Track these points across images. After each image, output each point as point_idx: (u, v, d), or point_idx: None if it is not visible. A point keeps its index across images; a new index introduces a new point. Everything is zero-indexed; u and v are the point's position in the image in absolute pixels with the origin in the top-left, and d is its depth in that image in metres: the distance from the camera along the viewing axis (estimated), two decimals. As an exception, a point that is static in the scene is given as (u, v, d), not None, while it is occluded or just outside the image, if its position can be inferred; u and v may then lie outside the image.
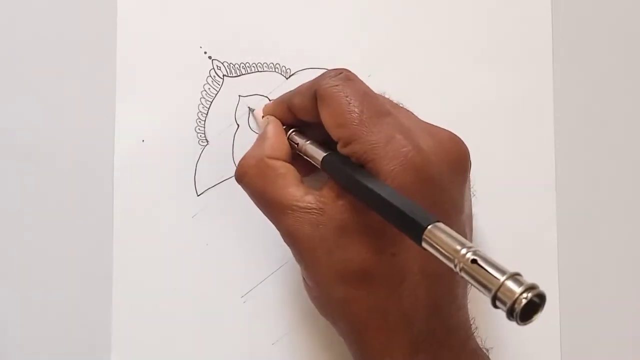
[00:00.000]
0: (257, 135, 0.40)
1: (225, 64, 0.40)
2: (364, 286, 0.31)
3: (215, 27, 0.41)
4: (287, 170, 0.34)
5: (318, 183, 0.34)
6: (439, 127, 0.34)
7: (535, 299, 0.23)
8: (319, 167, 0.34)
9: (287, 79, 0.40)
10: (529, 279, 0.24)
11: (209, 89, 0.40)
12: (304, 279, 0.34)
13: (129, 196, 0.40)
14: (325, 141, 0.34)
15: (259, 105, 0.40)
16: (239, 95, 0.40)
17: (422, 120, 0.35)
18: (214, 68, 0.40)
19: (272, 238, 0.38)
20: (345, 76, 0.33)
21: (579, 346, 0.40)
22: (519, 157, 0.41)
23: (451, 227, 0.26)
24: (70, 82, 0.40)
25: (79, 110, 0.40)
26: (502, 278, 0.23)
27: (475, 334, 0.34)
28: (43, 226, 0.40)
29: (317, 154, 0.34)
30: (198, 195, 0.40)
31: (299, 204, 0.32)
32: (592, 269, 0.41)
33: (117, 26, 0.40)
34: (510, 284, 0.23)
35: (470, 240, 0.34)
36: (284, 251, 0.39)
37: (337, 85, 0.33)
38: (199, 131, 0.40)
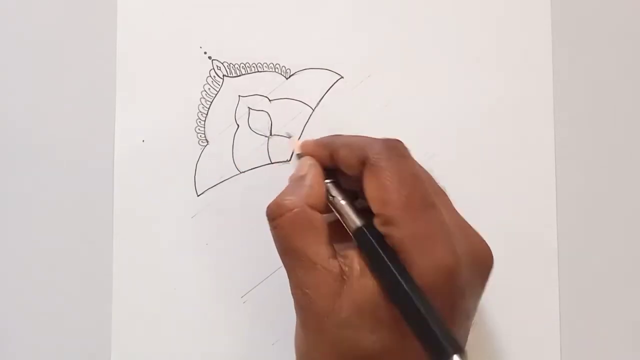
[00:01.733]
0: (257, 135, 0.40)
1: (225, 64, 0.40)
2: None
3: (215, 27, 0.41)
4: (321, 225, 0.32)
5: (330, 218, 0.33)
6: (472, 229, 0.33)
7: None
8: (350, 232, 0.33)
9: (287, 79, 0.40)
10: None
11: (209, 89, 0.40)
12: (296, 331, 0.33)
13: (129, 196, 0.40)
14: (357, 195, 0.33)
15: (259, 105, 0.40)
16: (239, 95, 0.40)
17: (458, 216, 0.34)
18: (214, 68, 0.40)
19: (272, 238, 0.38)
20: (400, 153, 0.33)
21: (579, 346, 0.40)
22: (519, 157, 0.41)
23: (457, 333, 0.26)
24: (70, 82, 0.40)
25: (79, 110, 0.40)
26: None
27: None
28: (43, 226, 0.40)
29: (352, 220, 0.33)
30: (198, 195, 0.40)
31: (325, 264, 0.31)
32: (592, 269, 0.41)
33: (117, 26, 0.40)
34: None
35: (465, 340, 0.33)
36: (284, 251, 0.39)
37: (390, 160, 0.32)
38: (199, 131, 0.40)
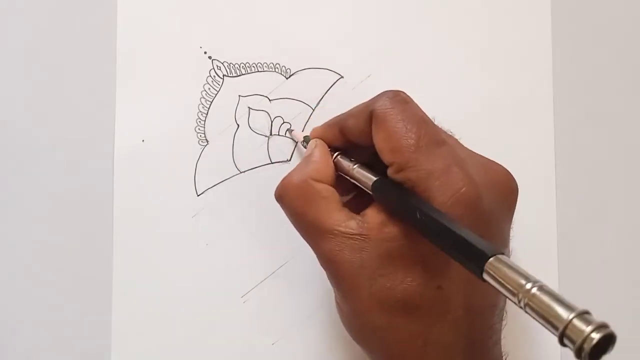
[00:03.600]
0: (257, 135, 0.40)
1: (225, 64, 0.40)
2: (406, 316, 0.31)
3: (215, 27, 0.41)
4: (330, 194, 0.33)
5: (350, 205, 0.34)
6: (492, 161, 0.34)
7: (605, 339, 0.22)
8: (369, 191, 0.33)
9: (287, 79, 0.40)
10: (598, 317, 0.23)
11: (209, 89, 0.40)
12: (337, 304, 0.34)
13: (129, 196, 0.40)
14: (370, 165, 0.34)
15: (259, 105, 0.40)
16: (239, 95, 0.40)
17: (475, 152, 0.34)
18: (214, 68, 0.40)
19: (272, 238, 0.39)
20: (402, 99, 0.33)
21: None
22: (519, 157, 0.41)
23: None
24: (70, 82, 0.40)
25: (79, 110, 0.40)
26: (570, 315, 0.22)
27: None
28: (43, 226, 0.40)
29: (367, 177, 0.33)
30: (198, 195, 0.40)
31: (341, 228, 0.32)
32: (592, 269, 0.41)
33: (117, 26, 0.40)
34: (578, 322, 0.22)
35: None
36: (284, 251, 0.39)
37: (393, 108, 0.32)
38: (199, 131, 0.40)
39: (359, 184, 0.34)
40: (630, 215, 0.41)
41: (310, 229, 0.33)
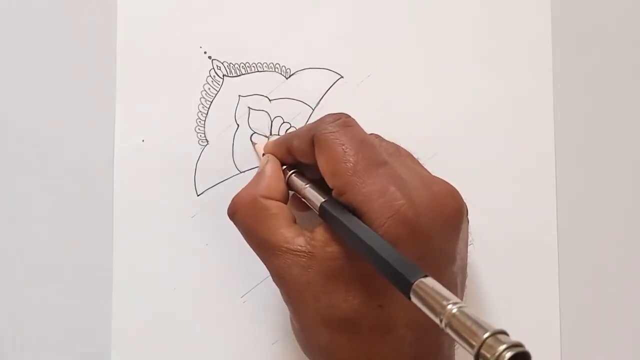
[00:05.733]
0: (256, 135, 0.40)
1: (225, 64, 0.40)
2: (349, 334, 0.31)
3: (215, 27, 0.41)
4: (279, 211, 0.34)
5: (316, 219, 0.34)
6: (436, 178, 0.34)
7: (517, 357, 0.23)
8: (316, 212, 0.33)
9: (287, 79, 0.40)
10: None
11: (209, 89, 0.40)
12: (291, 320, 0.34)
13: (129, 196, 0.40)
14: (323, 184, 0.34)
15: (259, 105, 0.40)
16: (239, 95, 0.40)
17: (421, 169, 0.34)
18: (214, 68, 0.40)
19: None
20: (343, 122, 0.33)
21: (579, 346, 0.40)
22: (519, 157, 0.41)
23: (441, 280, 0.26)
24: (70, 82, 0.40)
25: (79, 110, 0.40)
26: (485, 335, 0.23)
27: None
28: (43, 226, 0.40)
29: (316, 199, 0.33)
30: (198, 195, 0.40)
31: (289, 245, 0.32)
32: (592, 269, 0.41)
33: (117, 26, 0.40)
34: (492, 341, 0.23)
35: (463, 291, 0.34)
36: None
37: (334, 132, 0.32)
38: (199, 131, 0.40)
39: (309, 204, 0.34)
40: (631, 215, 0.41)
41: (260, 245, 0.33)
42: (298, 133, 0.36)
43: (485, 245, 0.40)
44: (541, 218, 0.41)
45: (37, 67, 0.40)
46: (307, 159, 0.34)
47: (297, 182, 0.35)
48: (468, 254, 0.35)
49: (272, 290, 0.39)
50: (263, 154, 0.38)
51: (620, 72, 0.42)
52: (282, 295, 0.33)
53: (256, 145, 0.40)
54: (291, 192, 0.36)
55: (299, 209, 0.36)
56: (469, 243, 0.35)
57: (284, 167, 0.37)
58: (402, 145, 0.37)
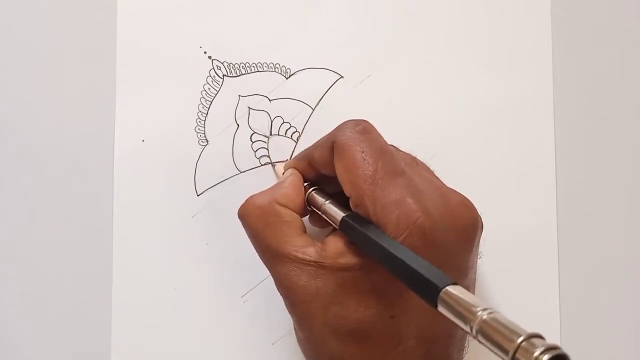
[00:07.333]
0: (256, 135, 0.40)
1: (225, 64, 0.40)
2: (359, 345, 0.31)
3: (215, 27, 0.41)
4: (292, 219, 0.33)
5: (324, 235, 0.34)
6: (452, 190, 0.34)
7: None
8: (337, 228, 0.33)
9: (287, 79, 0.41)
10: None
11: (209, 89, 0.40)
12: (295, 331, 0.34)
13: (129, 196, 0.40)
14: (344, 200, 0.34)
15: (259, 105, 0.40)
16: (239, 95, 0.40)
17: (436, 180, 0.34)
18: (214, 68, 0.40)
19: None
20: (363, 128, 0.33)
21: (579, 345, 0.40)
22: (519, 157, 0.41)
23: None
24: (70, 82, 0.40)
25: (79, 110, 0.40)
26: (519, 339, 0.22)
27: None
28: (43, 226, 0.40)
29: (337, 214, 0.33)
30: (198, 195, 0.40)
31: (298, 254, 0.32)
32: (592, 269, 0.41)
33: (117, 26, 0.40)
34: (527, 345, 0.22)
35: None
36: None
37: (353, 139, 0.32)
38: (199, 131, 0.40)
39: (329, 220, 0.34)
40: (631, 215, 0.41)
41: (267, 251, 0.33)
42: (318, 143, 0.35)
43: (485, 245, 0.40)
44: (541, 218, 0.41)
45: (37, 67, 0.40)
46: (328, 169, 0.34)
47: (318, 198, 0.35)
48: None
49: (272, 290, 0.39)
50: (283, 173, 0.38)
51: (620, 72, 0.42)
52: (285, 304, 0.33)
53: (276, 167, 0.40)
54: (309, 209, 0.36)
55: (315, 225, 0.36)
56: (478, 257, 0.35)
57: (305, 184, 0.36)
58: (402, 146, 0.37)
